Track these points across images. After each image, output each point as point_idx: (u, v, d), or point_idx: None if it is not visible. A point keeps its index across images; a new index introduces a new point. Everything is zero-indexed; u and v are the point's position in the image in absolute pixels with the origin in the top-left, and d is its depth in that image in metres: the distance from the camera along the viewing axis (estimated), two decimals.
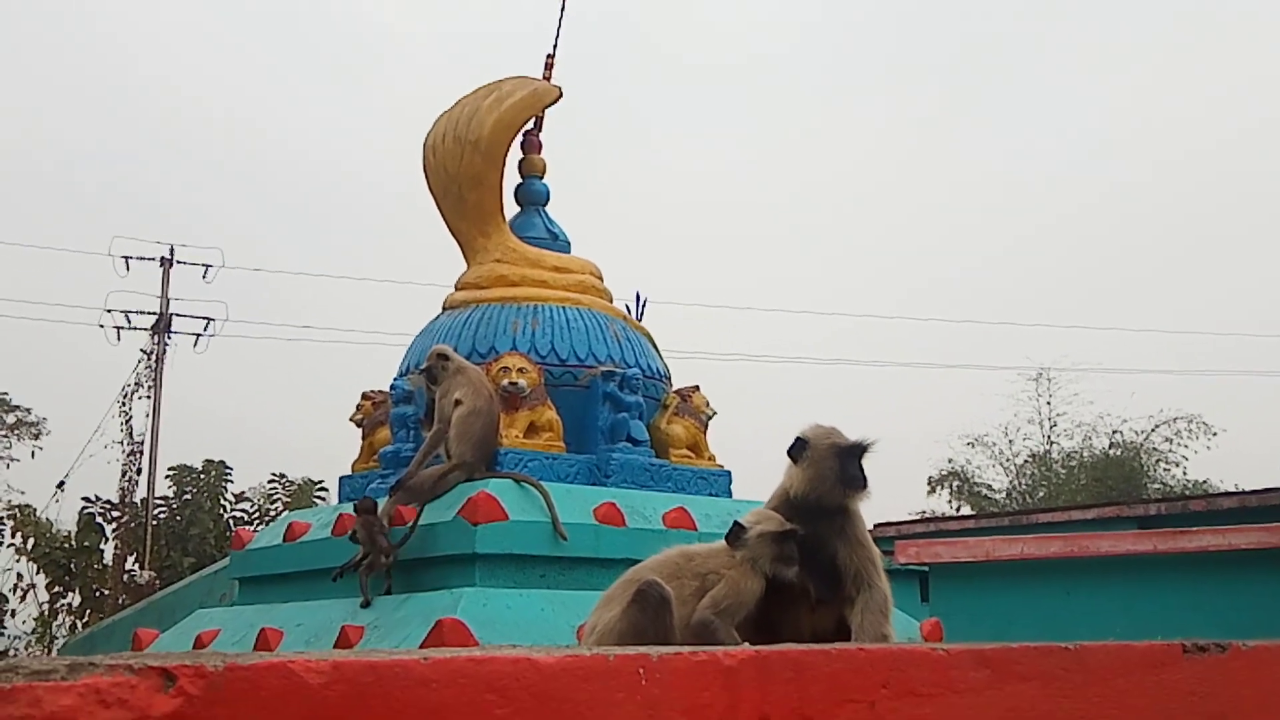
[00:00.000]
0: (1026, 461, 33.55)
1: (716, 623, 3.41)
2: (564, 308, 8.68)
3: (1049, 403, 33.35)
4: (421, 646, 6.37)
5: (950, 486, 33.33)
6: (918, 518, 24.25)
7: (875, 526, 17.64)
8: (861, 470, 3.67)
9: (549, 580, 7.30)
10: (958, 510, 32.41)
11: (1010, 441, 33.49)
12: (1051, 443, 33.41)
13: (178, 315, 25.44)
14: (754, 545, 3.48)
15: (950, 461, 33.49)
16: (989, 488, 33.49)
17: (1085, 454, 32.80)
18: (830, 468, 3.64)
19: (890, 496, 33.94)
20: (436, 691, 1.74)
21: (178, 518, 23.55)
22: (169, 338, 25.18)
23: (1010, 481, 33.51)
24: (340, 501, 8.96)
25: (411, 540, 7.33)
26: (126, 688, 1.51)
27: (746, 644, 3.36)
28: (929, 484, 33.45)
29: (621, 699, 1.86)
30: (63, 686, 1.47)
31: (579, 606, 6.96)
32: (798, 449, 3.70)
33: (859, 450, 3.66)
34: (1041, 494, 32.47)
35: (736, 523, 3.56)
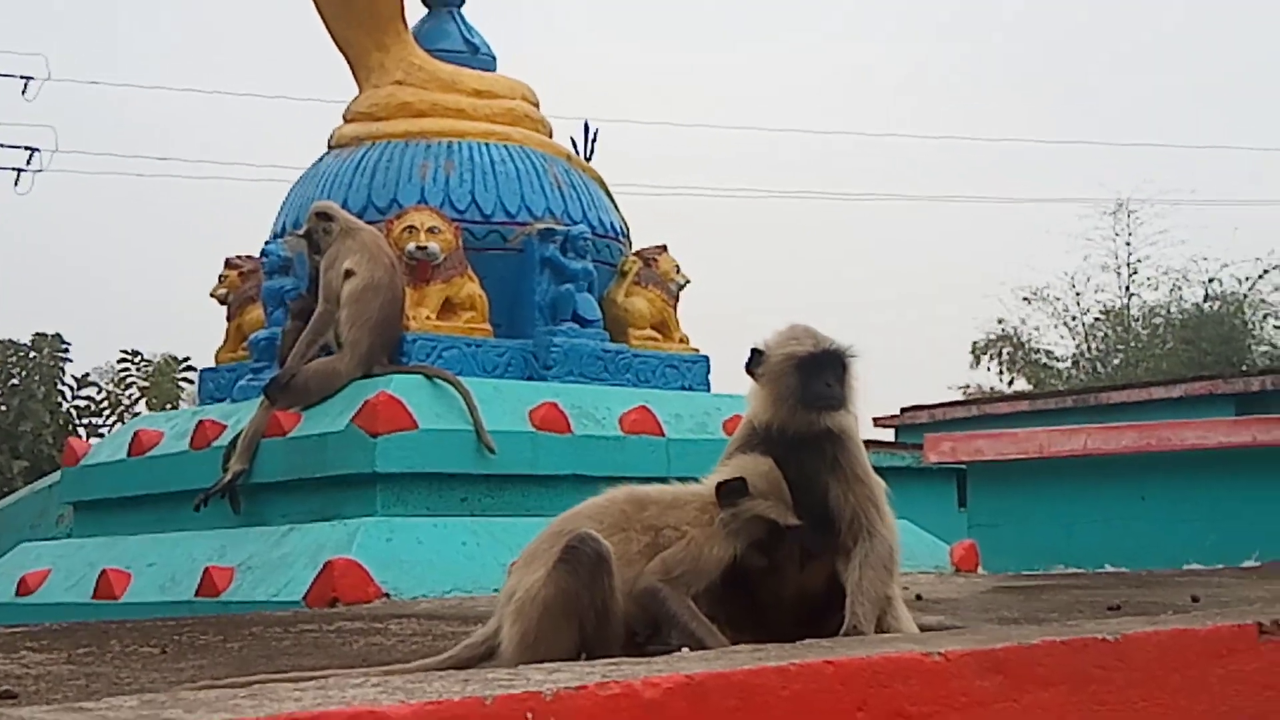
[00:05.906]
0: (1098, 320, 33.81)
1: (665, 592, 3.45)
2: (488, 145, 8.59)
3: (1128, 243, 33.47)
4: (308, 593, 6.44)
5: (1000, 354, 33.59)
6: (957, 399, 24.55)
7: (902, 412, 17.82)
8: (834, 384, 3.62)
9: (472, 505, 7.36)
10: (1009, 385, 32.76)
11: (1078, 295, 33.70)
12: (1131, 295, 33.65)
13: None
14: (744, 517, 3.48)
15: (1001, 323, 33.69)
16: (1050, 354, 33.84)
17: (1173, 308, 33.07)
18: (788, 386, 3.61)
19: (924, 372, 34.22)
20: None
21: (2, 408, 23.59)
22: None
23: (1077, 346, 33.84)
24: (202, 402, 8.97)
25: (294, 455, 7.35)
26: None
27: (701, 619, 3.40)
28: (973, 351, 33.73)
29: None
30: None
31: (512, 538, 7.00)
32: (755, 362, 3.68)
33: (825, 359, 3.62)
34: (1117, 361, 32.81)
35: (733, 481, 3.53)
